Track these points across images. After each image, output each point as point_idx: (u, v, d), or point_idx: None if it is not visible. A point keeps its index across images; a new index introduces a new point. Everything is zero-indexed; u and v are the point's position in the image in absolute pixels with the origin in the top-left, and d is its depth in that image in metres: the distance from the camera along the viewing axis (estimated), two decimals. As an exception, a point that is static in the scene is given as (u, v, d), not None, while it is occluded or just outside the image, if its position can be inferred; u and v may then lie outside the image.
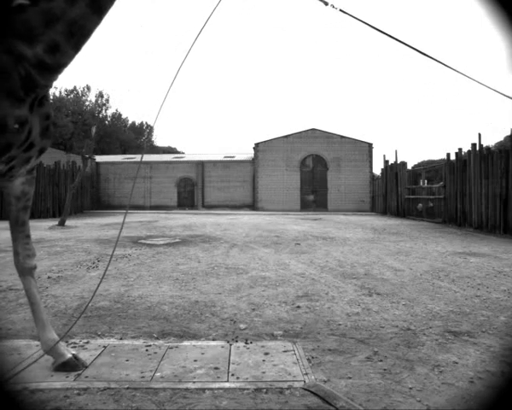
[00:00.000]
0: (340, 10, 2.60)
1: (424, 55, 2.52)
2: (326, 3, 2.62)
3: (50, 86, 2.52)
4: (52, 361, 2.65)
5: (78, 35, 2.36)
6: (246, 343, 3.12)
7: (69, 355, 2.64)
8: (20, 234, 2.81)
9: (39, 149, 2.57)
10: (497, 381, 2.50)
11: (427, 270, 6.14)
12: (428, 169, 23.69)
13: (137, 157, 34.03)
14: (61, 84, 49.52)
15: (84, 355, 2.81)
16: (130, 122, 58.45)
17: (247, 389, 2.37)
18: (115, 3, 2.44)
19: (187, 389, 2.35)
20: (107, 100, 53.51)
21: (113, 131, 51.63)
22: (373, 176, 29.18)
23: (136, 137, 57.58)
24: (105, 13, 2.43)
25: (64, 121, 41.48)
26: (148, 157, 34.36)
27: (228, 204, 30.20)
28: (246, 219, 18.53)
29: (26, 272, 2.81)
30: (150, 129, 61.40)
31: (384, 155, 23.94)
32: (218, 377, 2.51)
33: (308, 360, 2.81)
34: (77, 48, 2.41)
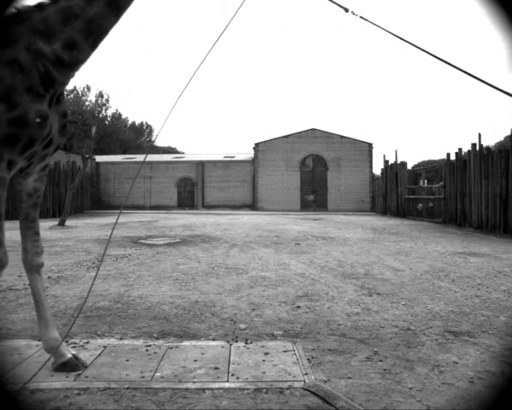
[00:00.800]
0: (361, 17, 2.60)
1: (447, 63, 2.51)
2: (346, 10, 2.64)
3: (67, 83, 2.57)
4: (52, 361, 2.65)
5: (95, 33, 2.44)
6: (246, 343, 3.12)
7: (69, 355, 2.64)
8: (29, 231, 2.81)
9: (55, 146, 2.62)
10: (497, 381, 2.50)
11: (427, 270, 6.14)
12: (428, 169, 23.69)
13: (137, 157, 34.04)
14: (61, 84, 49.52)
15: (84, 355, 2.81)
16: (130, 122, 58.51)
17: (247, 389, 2.37)
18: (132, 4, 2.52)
19: (187, 389, 2.35)
20: (107, 100, 53.58)
21: (113, 131, 51.65)
22: (373, 176, 29.18)
23: (136, 137, 57.60)
24: (122, 13, 2.51)
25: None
26: (148, 157, 34.36)
27: (228, 204, 30.19)
28: (246, 219, 18.53)
29: (33, 269, 2.81)
30: (150, 129, 61.40)
31: (384, 155, 23.95)
32: (218, 377, 2.51)
33: (308, 360, 2.81)
34: (94, 46, 2.49)
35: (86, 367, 2.64)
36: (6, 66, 2.28)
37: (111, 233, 2.89)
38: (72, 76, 2.56)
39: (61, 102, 2.59)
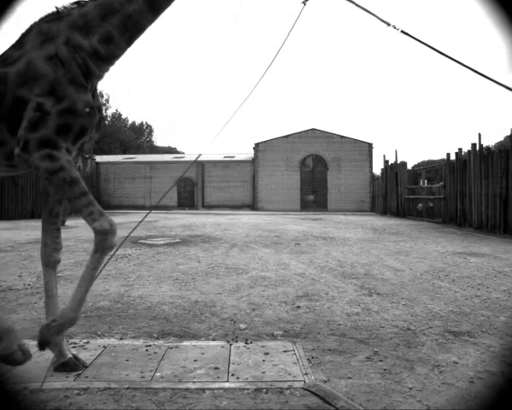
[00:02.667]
0: (402, 31, 2.63)
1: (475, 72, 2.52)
2: (388, 24, 2.67)
3: (102, 77, 2.64)
4: (52, 361, 2.64)
5: (131, 30, 2.52)
6: (246, 343, 3.12)
7: (70, 355, 2.64)
8: (51, 226, 2.83)
9: (92, 142, 2.74)
10: (497, 381, 2.50)
11: (427, 270, 6.14)
12: (428, 169, 23.69)
13: (138, 157, 34.04)
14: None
15: (84, 355, 2.80)
16: (130, 122, 58.50)
17: (247, 389, 2.37)
18: (172, 5, 2.58)
19: (187, 389, 2.35)
20: (107, 100, 53.56)
21: (113, 131, 51.64)
22: (373, 176, 29.18)
23: (136, 137, 57.59)
24: (160, 12, 2.57)
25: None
26: (148, 157, 34.36)
27: (228, 204, 30.19)
28: (246, 219, 18.53)
29: (50, 264, 2.83)
30: (150, 129, 61.36)
31: (384, 155, 23.95)
32: (218, 377, 2.51)
33: (308, 360, 2.81)
34: (129, 42, 2.58)
35: (86, 367, 2.64)
36: (47, 61, 2.38)
37: (126, 235, 2.89)
38: (107, 70, 2.64)
39: (96, 98, 2.67)
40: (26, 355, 2.41)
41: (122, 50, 2.58)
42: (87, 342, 3.12)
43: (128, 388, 2.36)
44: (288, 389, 2.37)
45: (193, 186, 30.73)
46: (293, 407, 2.18)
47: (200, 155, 5.30)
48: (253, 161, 30.09)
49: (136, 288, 4.95)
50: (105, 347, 3.02)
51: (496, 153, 12.45)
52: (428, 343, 3.14)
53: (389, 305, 4.24)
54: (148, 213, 2.77)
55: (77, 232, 11.92)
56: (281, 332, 3.40)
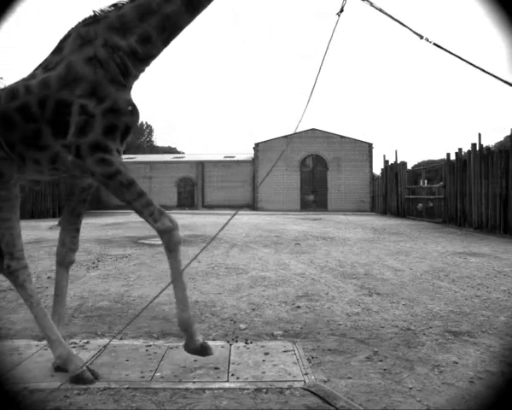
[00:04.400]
0: (434, 44, 2.64)
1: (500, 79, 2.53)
2: (421, 37, 2.69)
3: (138, 77, 2.67)
4: (52, 361, 2.64)
5: (169, 30, 2.56)
6: (246, 343, 3.12)
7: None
8: (71, 226, 2.86)
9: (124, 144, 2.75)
10: (497, 381, 2.50)
11: (427, 270, 6.14)
12: (428, 169, 23.69)
13: (138, 157, 34.03)
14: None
15: (84, 355, 2.80)
16: (130, 122, 58.30)
17: (247, 389, 2.37)
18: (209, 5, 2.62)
19: (187, 389, 2.35)
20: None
21: (113, 131, 51.50)
22: (373, 176, 29.17)
23: (136, 137, 57.54)
24: (197, 13, 2.61)
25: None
26: (148, 157, 34.36)
27: (228, 204, 30.18)
28: (246, 219, 18.52)
29: (64, 264, 2.86)
30: (150, 129, 61.34)
31: (384, 155, 23.94)
32: (218, 377, 2.51)
33: (308, 360, 2.81)
34: (166, 42, 2.61)
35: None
36: (86, 63, 2.42)
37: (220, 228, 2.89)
38: (143, 71, 2.67)
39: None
40: (95, 375, 2.46)
41: (159, 50, 2.61)
42: (87, 342, 3.12)
43: (128, 388, 2.36)
44: (287, 389, 2.37)
45: (193, 186, 30.72)
46: (293, 407, 2.18)
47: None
48: (253, 161, 30.09)
49: (137, 288, 4.95)
50: (105, 347, 3.01)
51: (496, 153, 12.45)
52: (428, 343, 3.14)
53: (389, 305, 4.24)
54: (235, 215, 2.75)
55: (77, 232, 11.90)
56: (281, 332, 3.40)
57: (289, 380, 2.47)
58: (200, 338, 2.56)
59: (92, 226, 14.11)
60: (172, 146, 62.79)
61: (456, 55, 2.60)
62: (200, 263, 6.64)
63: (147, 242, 9.55)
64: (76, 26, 2.55)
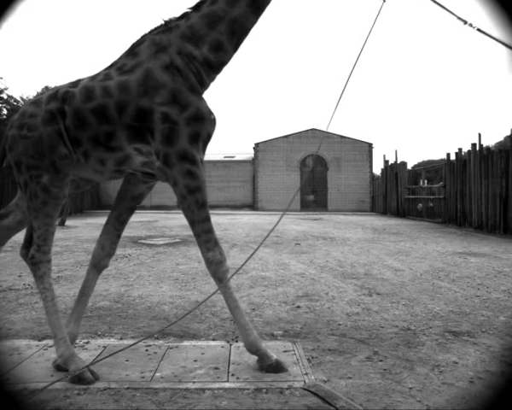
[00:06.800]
0: (478, 30, 2.63)
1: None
2: (465, 22, 2.67)
3: (209, 86, 2.70)
4: (52, 361, 2.65)
5: (238, 34, 2.60)
6: (246, 343, 3.12)
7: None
8: (115, 231, 2.88)
9: None
10: (497, 381, 2.50)
11: (427, 270, 6.14)
12: (428, 169, 23.69)
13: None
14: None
15: (84, 355, 2.80)
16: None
17: (247, 389, 2.37)
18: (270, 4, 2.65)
19: (187, 389, 2.35)
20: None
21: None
22: (373, 176, 29.17)
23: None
24: (261, 12, 2.64)
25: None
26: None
27: (228, 204, 30.19)
28: (246, 219, 18.52)
29: (98, 267, 2.86)
30: None
31: (384, 155, 23.94)
32: (218, 377, 2.51)
33: (308, 360, 2.81)
34: (236, 46, 2.66)
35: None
36: (164, 70, 2.46)
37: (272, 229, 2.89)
38: (214, 79, 2.69)
39: None
40: (95, 376, 2.45)
41: (230, 56, 2.65)
42: (87, 342, 3.12)
43: (128, 388, 2.36)
44: (287, 389, 2.37)
45: (193, 186, 30.69)
46: (293, 407, 2.18)
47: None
48: (253, 161, 30.09)
49: (136, 288, 4.95)
50: (105, 347, 3.02)
51: (496, 153, 12.45)
52: (428, 343, 3.14)
53: (389, 305, 4.24)
54: (282, 216, 2.79)
55: (77, 232, 11.92)
56: (281, 332, 3.40)
57: (289, 380, 2.47)
58: (274, 355, 2.62)
59: (92, 226, 14.10)
60: (172, 146, 62.72)
61: (502, 42, 2.56)
62: (200, 263, 6.64)
63: (147, 242, 9.55)
64: (149, 33, 2.59)
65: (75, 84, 2.56)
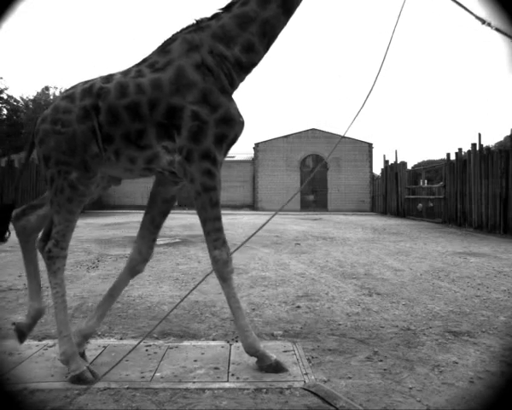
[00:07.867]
0: (496, 29, 2.62)
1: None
2: (483, 22, 2.67)
3: (238, 87, 2.69)
4: (52, 361, 2.64)
5: (269, 35, 2.60)
6: (246, 343, 3.12)
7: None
8: (151, 235, 2.88)
9: None
10: (497, 381, 2.50)
11: (427, 270, 6.14)
12: (428, 169, 23.71)
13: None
14: (61, 85, 49.49)
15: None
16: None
17: (247, 389, 2.37)
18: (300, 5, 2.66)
19: (187, 389, 2.35)
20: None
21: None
22: (373, 176, 29.19)
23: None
24: (292, 13, 2.65)
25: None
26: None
27: (228, 204, 30.18)
28: (246, 219, 18.52)
29: (132, 272, 2.86)
30: None
31: (384, 155, 23.96)
32: (218, 377, 2.51)
33: (308, 360, 2.81)
34: (267, 47, 2.65)
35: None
36: (195, 69, 2.46)
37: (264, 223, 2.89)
38: (243, 80, 2.69)
39: None
40: (95, 376, 2.44)
41: (260, 57, 2.64)
42: (87, 342, 3.11)
43: (128, 388, 2.36)
44: (287, 389, 2.37)
45: (193, 186, 30.69)
46: (293, 407, 2.18)
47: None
48: (253, 161, 30.09)
49: (136, 288, 4.95)
50: (105, 347, 3.02)
51: (496, 153, 12.45)
52: (428, 343, 3.14)
53: (389, 305, 4.24)
54: (273, 216, 2.81)
55: (77, 232, 11.91)
56: (281, 332, 3.40)
57: (289, 380, 2.47)
58: (273, 355, 2.62)
59: (92, 226, 14.11)
60: (172, 146, 62.74)
61: None
62: (199, 263, 6.64)
63: (147, 242, 9.53)
64: (180, 32, 2.59)
65: (108, 79, 2.54)
